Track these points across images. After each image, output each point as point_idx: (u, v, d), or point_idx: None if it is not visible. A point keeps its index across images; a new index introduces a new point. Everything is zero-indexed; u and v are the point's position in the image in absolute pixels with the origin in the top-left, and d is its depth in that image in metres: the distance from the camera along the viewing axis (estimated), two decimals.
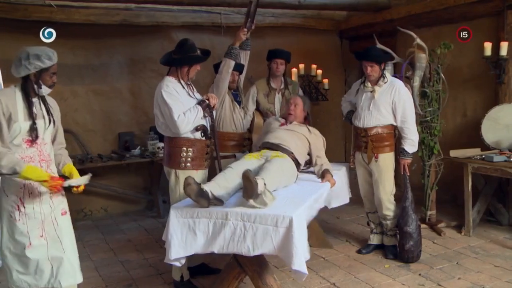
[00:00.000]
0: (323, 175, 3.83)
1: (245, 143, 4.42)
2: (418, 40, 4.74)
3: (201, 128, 3.53)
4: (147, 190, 6.41)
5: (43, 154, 2.93)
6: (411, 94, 4.59)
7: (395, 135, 4.26)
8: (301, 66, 6.58)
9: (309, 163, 4.08)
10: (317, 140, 4.04)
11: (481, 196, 5.06)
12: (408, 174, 4.25)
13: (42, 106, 2.94)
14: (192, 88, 3.66)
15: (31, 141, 2.85)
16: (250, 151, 4.36)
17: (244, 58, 4.35)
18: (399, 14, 6.16)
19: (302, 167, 3.99)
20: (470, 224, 4.87)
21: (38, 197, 2.89)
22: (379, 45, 4.69)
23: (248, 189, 2.87)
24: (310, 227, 3.44)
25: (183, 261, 3.24)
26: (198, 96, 3.66)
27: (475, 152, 4.95)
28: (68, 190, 2.98)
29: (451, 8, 5.52)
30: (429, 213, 5.18)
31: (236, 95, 4.45)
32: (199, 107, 3.49)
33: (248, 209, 2.96)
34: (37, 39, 5.56)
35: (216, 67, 4.19)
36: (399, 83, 4.17)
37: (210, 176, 3.91)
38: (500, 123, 4.95)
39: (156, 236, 5.15)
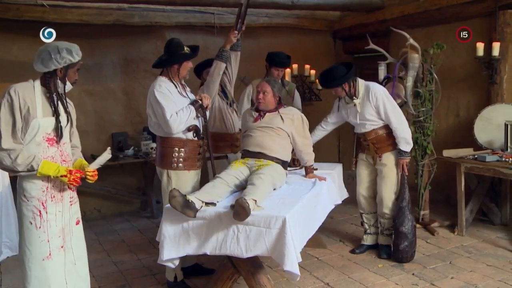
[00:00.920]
0: (306, 172, 3.95)
1: (237, 143, 4.40)
2: (411, 41, 4.75)
3: (193, 129, 3.52)
4: (140, 191, 6.39)
5: (64, 154, 2.82)
6: (405, 94, 4.61)
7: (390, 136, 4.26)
8: (295, 66, 6.58)
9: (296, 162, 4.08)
10: (294, 125, 3.84)
11: (474, 195, 5.08)
12: (407, 174, 4.26)
13: (60, 103, 2.82)
14: (185, 88, 3.66)
15: (53, 139, 2.74)
16: None
17: (235, 59, 4.35)
18: (392, 15, 6.18)
19: (289, 169, 3.98)
20: (463, 224, 4.89)
21: (61, 201, 2.78)
22: (371, 45, 4.71)
23: (241, 215, 2.85)
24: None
25: (177, 262, 3.24)
26: (191, 96, 3.65)
27: (468, 152, 4.97)
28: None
29: (444, 9, 5.54)
30: (422, 213, 5.20)
31: (226, 95, 4.41)
32: (192, 107, 3.49)
33: None
34: (29, 39, 5.56)
35: (197, 69, 4.21)
36: (373, 87, 4.14)
37: (203, 176, 3.91)
38: (493, 123, 4.97)
39: (150, 237, 5.14)
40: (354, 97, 4.16)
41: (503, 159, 4.53)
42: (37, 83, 2.73)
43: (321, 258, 4.42)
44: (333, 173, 4.27)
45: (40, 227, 2.70)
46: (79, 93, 6.02)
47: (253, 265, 3.15)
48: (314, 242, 4.51)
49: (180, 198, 2.95)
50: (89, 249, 4.82)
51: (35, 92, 2.69)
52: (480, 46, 5.06)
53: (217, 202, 3.15)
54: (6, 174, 4.77)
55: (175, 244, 3.12)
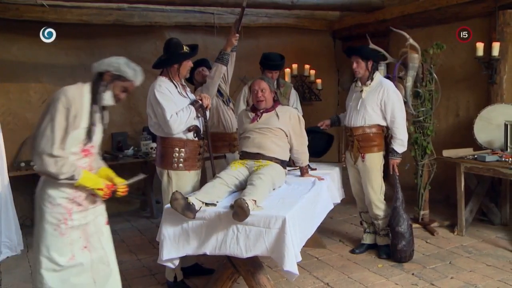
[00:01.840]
0: (302, 172, 3.98)
1: (235, 143, 4.40)
2: (411, 40, 4.75)
3: (193, 129, 3.52)
4: (140, 191, 6.39)
5: (91, 165, 2.74)
6: (404, 94, 4.61)
7: (385, 135, 4.26)
8: (294, 66, 6.59)
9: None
10: (291, 123, 3.83)
11: (474, 195, 5.08)
12: (398, 174, 4.26)
13: (100, 114, 2.72)
14: (185, 88, 3.66)
15: (87, 151, 2.66)
16: None
17: (231, 59, 4.35)
18: (392, 15, 6.18)
19: (289, 168, 3.98)
20: (463, 224, 4.89)
21: (85, 209, 2.70)
22: (372, 45, 4.70)
23: (240, 216, 2.85)
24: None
25: (176, 262, 3.23)
26: (192, 96, 3.65)
27: (467, 152, 4.97)
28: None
29: (444, 9, 5.54)
30: (422, 212, 5.20)
31: (222, 95, 4.42)
32: (192, 108, 3.49)
33: None
34: (29, 39, 5.57)
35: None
36: (388, 84, 4.19)
37: (201, 176, 3.92)
38: (492, 123, 4.97)
39: (150, 237, 5.14)
40: (367, 82, 4.17)
41: (503, 159, 4.53)
42: (86, 89, 2.64)
43: (321, 258, 4.42)
44: (332, 172, 4.27)
45: (64, 235, 2.62)
46: None
47: (253, 265, 3.15)
48: (314, 242, 4.51)
49: (182, 201, 2.95)
50: None
51: (84, 100, 2.59)
52: (480, 46, 5.06)
53: (217, 202, 3.15)
54: (6, 174, 4.77)
55: (175, 244, 3.12)
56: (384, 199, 4.34)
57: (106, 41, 6.10)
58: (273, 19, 6.79)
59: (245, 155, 3.75)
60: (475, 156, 4.76)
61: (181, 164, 3.55)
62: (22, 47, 5.61)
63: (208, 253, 3.04)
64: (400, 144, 4.18)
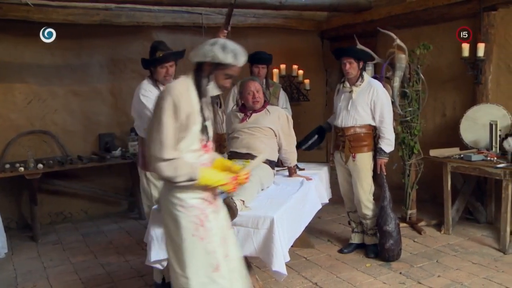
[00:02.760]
0: (290, 173, 3.98)
1: (225, 143, 4.40)
2: (398, 41, 4.78)
3: None
4: (128, 192, 6.35)
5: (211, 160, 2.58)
6: (392, 95, 4.64)
7: (374, 135, 4.28)
8: (283, 66, 6.59)
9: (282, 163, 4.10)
10: (280, 123, 3.86)
11: (460, 194, 5.13)
12: (385, 173, 4.29)
13: (210, 105, 2.54)
14: None
15: (207, 146, 2.48)
16: None
17: None
18: (379, 15, 6.22)
19: (277, 169, 3.99)
20: (450, 223, 4.93)
21: (216, 207, 2.51)
22: (359, 46, 4.73)
23: (229, 215, 2.83)
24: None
25: (165, 264, 3.21)
26: None
27: (454, 151, 5.02)
28: None
29: (430, 9, 5.58)
30: (409, 212, 5.23)
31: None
32: None
33: None
34: (13, 39, 5.52)
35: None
36: (377, 84, 4.22)
37: None
38: (478, 122, 5.02)
39: (138, 238, 5.11)
40: (356, 83, 4.19)
41: (488, 158, 4.58)
42: (191, 83, 2.39)
43: (309, 258, 4.43)
44: (320, 173, 4.29)
45: (203, 238, 2.40)
46: (65, 93, 5.98)
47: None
48: (302, 242, 4.52)
49: None
50: (76, 251, 4.86)
51: (191, 95, 2.37)
52: (466, 47, 5.10)
53: None
54: None
55: (163, 245, 3.10)
56: (373, 199, 4.36)
57: (93, 41, 6.06)
58: (261, 19, 6.79)
59: (234, 155, 3.75)
60: (461, 156, 4.80)
61: None
62: (6, 46, 5.54)
63: None
64: (388, 143, 4.21)
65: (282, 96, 5.05)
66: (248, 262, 3.23)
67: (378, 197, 4.34)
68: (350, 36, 5.29)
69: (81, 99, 6.08)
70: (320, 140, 4.62)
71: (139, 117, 3.50)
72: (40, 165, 5.21)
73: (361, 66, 4.17)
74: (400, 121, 5.01)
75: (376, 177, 4.40)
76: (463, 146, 5.10)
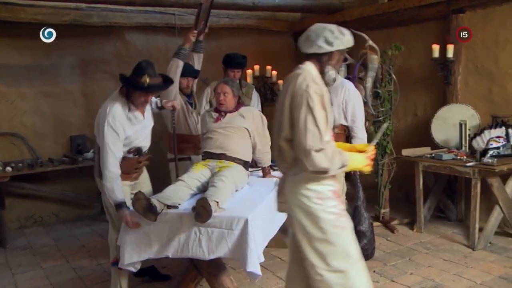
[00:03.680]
0: (264, 173, 3.98)
1: (200, 145, 4.38)
2: (370, 42, 4.82)
3: (133, 151, 3.34)
4: (101, 194, 6.24)
5: None
6: (364, 95, 4.69)
7: (346, 135, 4.31)
8: (256, 67, 6.58)
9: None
10: (254, 123, 3.86)
11: (432, 193, 5.22)
12: (359, 173, 4.33)
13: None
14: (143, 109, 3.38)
15: (333, 134, 2.52)
16: None
17: (198, 60, 4.32)
18: (352, 16, 6.27)
19: (251, 169, 3.99)
20: (422, 221, 5.01)
21: (343, 201, 2.52)
22: None
23: (203, 216, 2.84)
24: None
25: (138, 266, 3.19)
26: (148, 119, 3.42)
27: (425, 151, 5.10)
28: None
29: (402, 11, 5.66)
30: (382, 211, 5.30)
31: (189, 97, 4.42)
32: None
33: None
34: None
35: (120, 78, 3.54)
36: (349, 84, 4.25)
37: (165, 178, 3.86)
38: (448, 122, 5.12)
39: None
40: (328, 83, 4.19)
41: (458, 157, 4.67)
42: (316, 73, 2.43)
43: (284, 258, 4.43)
44: None
45: (344, 228, 2.38)
46: (34, 94, 5.85)
47: (216, 267, 3.14)
48: (277, 242, 4.50)
49: (144, 202, 2.92)
50: (46, 256, 4.76)
51: (322, 83, 2.41)
52: (436, 48, 5.19)
53: (179, 204, 3.12)
54: None
55: (136, 248, 3.08)
56: (346, 199, 4.39)
57: (64, 41, 5.92)
58: (234, 20, 6.78)
59: (207, 155, 3.73)
60: (433, 155, 4.88)
61: None
62: None
63: (170, 256, 3.02)
64: (362, 142, 4.24)
65: (255, 97, 5.06)
66: (222, 263, 3.22)
67: (351, 197, 4.38)
68: None
69: (51, 101, 5.96)
70: None
71: (98, 137, 3.28)
72: (9, 168, 5.09)
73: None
74: (373, 121, 5.07)
75: (349, 177, 4.43)
76: (434, 145, 5.18)
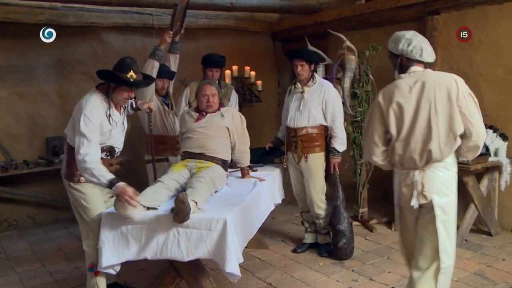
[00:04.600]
0: (243, 174, 3.97)
1: (178, 146, 4.36)
2: (348, 42, 4.87)
3: (106, 150, 3.26)
4: None
5: None
6: (342, 95, 4.73)
7: (326, 135, 4.34)
8: (235, 68, 6.59)
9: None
10: (234, 123, 3.86)
11: None
12: (338, 173, 4.36)
13: None
14: (121, 107, 3.34)
15: None
16: None
17: (174, 61, 4.30)
18: (330, 17, 6.31)
19: (230, 170, 3.98)
20: None
21: None
22: (310, 47, 4.79)
23: (181, 213, 2.81)
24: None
25: (118, 268, 3.15)
26: (124, 121, 3.35)
27: None
28: None
29: (379, 12, 5.72)
30: (361, 210, 5.34)
31: (165, 98, 4.39)
32: (105, 183, 2.98)
33: None
34: None
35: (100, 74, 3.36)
36: (328, 84, 4.29)
37: (142, 179, 3.82)
38: None
39: None
40: (308, 83, 4.24)
41: None
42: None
43: (263, 258, 4.44)
44: (273, 173, 4.31)
45: None
46: (8, 95, 5.73)
47: (195, 268, 3.13)
48: (256, 243, 4.53)
49: (124, 202, 2.88)
50: (21, 260, 4.66)
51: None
52: None
53: (158, 206, 3.09)
54: None
55: (114, 250, 3.05)
56: (326, 199, 4.42)
57: (39, 41, 5.81)
58: (212, 20, 6.76)
59: (187, 155, 3.71)
60: None
61: (82, 178, 3.19)
62: None
63: (149, 258, 2.99)
64: (341, 143, 4.28)
65: (233, 97, 5.05)
66: (202, 265, 3.21)
67: (330, 197, 4.40)
68: (301, 37, 5.35)
69: (26, 102, 5.85)
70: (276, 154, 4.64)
71: (73, 129, 3.13)
72: None
73: (312, 68, 4.23)
74: (351, 121, 5.11)
75: (328, 177, 4.46)
76: None
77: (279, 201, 4.31)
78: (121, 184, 2.93)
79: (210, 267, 4.05)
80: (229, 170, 3.92)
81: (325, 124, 4.27)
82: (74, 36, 6.02)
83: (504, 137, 4.73)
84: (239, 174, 4.04)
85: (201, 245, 2.87)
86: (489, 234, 4.76)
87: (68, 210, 6.10)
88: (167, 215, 2.94)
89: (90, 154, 2.97)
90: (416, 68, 2.75)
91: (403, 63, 2.80)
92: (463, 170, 4.38)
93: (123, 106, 3.40)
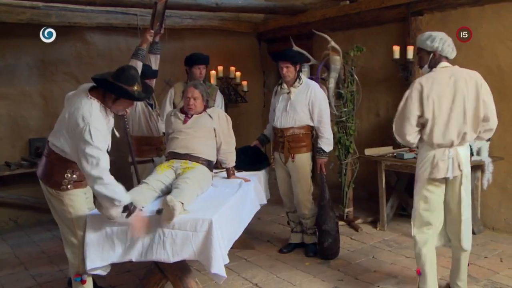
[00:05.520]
0: (228, 174, 3.97)
1: (162, 146, 4.34)
2: (333, 43, 4.89)
3: None
4: None
5: None
6: (327, 95, 4.74)
7: (312, 135, 4.35)
8: (220, 68, 6.57)
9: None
10: (220, 123, 3.86)
11: (394, 191, 5.32)
12: (325, 173, 4.37)
13: None
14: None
15: None
16: None
17: (155, 62, 4.28)
18: (314, 18, 6.34)
19: (215, 171, 3.97)
20: (385, 219, 5.10)
21: None
22: (295, 48, 4.80)
23: (166, 215, 2.80)
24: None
25: (108, 269, 3.10)
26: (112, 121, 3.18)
27: (387, 150, 5.20)
28: None
29: (363, 13, 5.77)
30: (346, 210, 5.37)
31: (149, 98, 4.35)
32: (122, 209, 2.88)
33: None
34: None
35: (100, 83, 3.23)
36: (314, 84, 4.30)
37: (127, 181, 3.77)
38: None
39: None
40: (294, 84, 4.24)
41: None
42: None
43: (249, 259, 4.43)
44: (259, 174, 4.30)
45: None
46: None
47: (181, 269, 3.11)
48: (242, 243, 4.52)
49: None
50: (3, 264, 4.58)
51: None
52: (396, 49, 5.30)
53: (143, 207, 3.07)
54: None
55: (99, 252, 3.01)
56: (312, 199, 4.43)
57: (20, 41, 5.75)
58: (197, 21, 6.74)
59: (172, 155, 3.70)
60: (395, 154, 4.98)
61: (70, 185, 3.09)
62: None
63: (134, 260, 2.96)
64: (327, 143, 4.29)
65: (219, 98, 5.03)
66: (187, 266, 3.19)
67: (317, 197, 4.41)
68: (286, 38, 5.36)
69: (7, 103, 5.76)
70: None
71: (67, 137, 2.94)
72: None
73: (298, 69, 4.23)
74: (336, 121, 5.12)
75: (315, 177, 4.47)
76: (396, 144, 5.26)
77: (265, 202, 4.31)
78: (137, 213, 2.90)
79: (196, 268, 4.04)
80: (214, 170, 3.91)
81: (311, 124, 4.28)
82: (57, 36, 5.90)
83: None
84: (224, 174, 4.03)
85: (186, 246, 2.86)
86: (472, 232, 4.79)
87: (51, 212, 6.06)
88: (152, 216, 2.92)
89: (105, 169, 2.83)
90: (445, 64, 3.23)
91: (435, 58, 3.23)
92: None
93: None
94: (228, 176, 3.97)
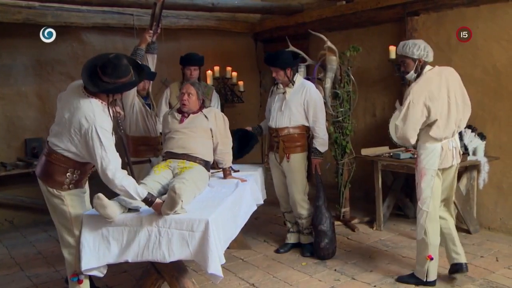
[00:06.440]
0: (224, 175, 3.97)
1: (159, 147, 4.33)
2: (329, 43, 4.89)
3: None
4: None
5: None
6: (324, 95, 4.75)
7: (308, 136, 4.36)
8: (216, 68, 6.57)
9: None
10: (216, 123, 3.86)
11: (390, 191, 5.32)
12: (320, 173, 4.37)
13: None
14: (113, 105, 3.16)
15: None
16: None
17: (152, 62, 4.27)
18: (311, 18, 6.34)
19: (212, 171, 3.97)
20: (381, 219, 5.11)
21: None
22: (291, 48, 4.80)
23: (170, 204, 2.80)
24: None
25: (104, 271, 3.08)
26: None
27: (384, 150, 5.20)
28: None
29: (359, 13, 5.77)
30: (343, 210, 5.37)
31: (146, 98, 4.36)
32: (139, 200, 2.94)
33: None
34: None
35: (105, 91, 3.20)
36: (309, 85, 4.31)
37: None
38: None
39: None
40: (289, 84, 4.25)
41: (415, 156, 4.76)
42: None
43: (246, 259, 4.43)
44: (255, 174, 4.31)
45: None
46: None
47: (177, 269, 3.10)
48: (238, 244, 4.53)
49: (104, 201, 2.83)
50: None
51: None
52: (393, 50, 5.31)
53: (140, 208, 3.06)
54: None
55: (94, 253, 2.99)
56: (308, 199, 4.43)
57: (16, 41, 5.74)
58: (193, 21, 6.74)
59: (169, 155, 3.70)
60: (391, 154, 4.98)
61: (71, 185, 3.08)
62: None
63: (130, 261, 2.95)
64: (322, 143, 4.30)
65: (215, 98, 5.04)
66: (184, 266, 3.19)
67: (312, 197, 4.41)
68: (283, 38, 5.37)
69: (3, 103, 5.75)
70: (249, 143, 4.60)
71: (74, 138, 2.90)
72: None
73: (288, 72, 4.23)
74: (332, 122, 5.13)
75: (310, 177, 4.47)
76: (392, 144, 5.29)
77: (261, 202, 4.31)
78: (158, 202, 2.92)
79: (192, 268, 4.04)
80: (211, 171, 3.91)
81: (306, 124, 4.28)
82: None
83: (482, 136, 4.81)
84: (221, 175, 4.03)
85: (183, 246, 2.85)
86: (468, 232, 4.83)
87: (47, 213, 6.03)
88: (148, 216, 2.92)
89: (118, 169, 2.85)
90: (429, 67, 3.52)
91: (420, 64, 3.50)
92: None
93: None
94: (225, 176, 3.98)
